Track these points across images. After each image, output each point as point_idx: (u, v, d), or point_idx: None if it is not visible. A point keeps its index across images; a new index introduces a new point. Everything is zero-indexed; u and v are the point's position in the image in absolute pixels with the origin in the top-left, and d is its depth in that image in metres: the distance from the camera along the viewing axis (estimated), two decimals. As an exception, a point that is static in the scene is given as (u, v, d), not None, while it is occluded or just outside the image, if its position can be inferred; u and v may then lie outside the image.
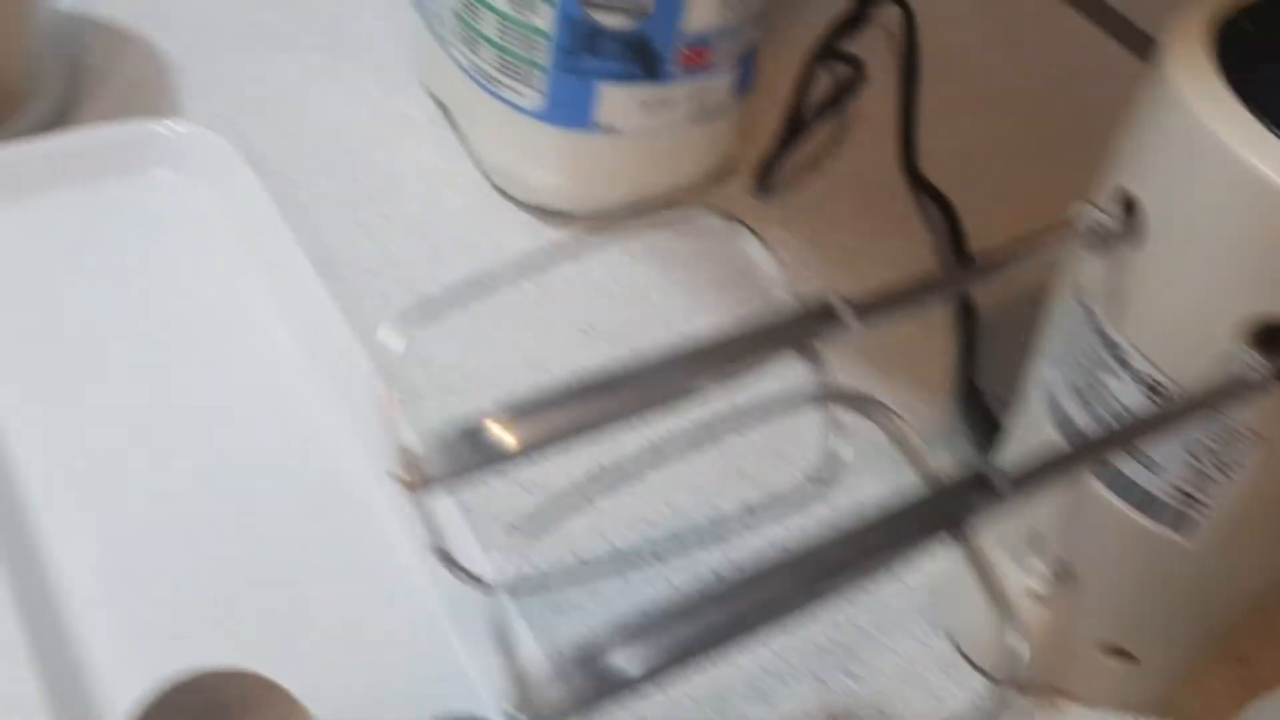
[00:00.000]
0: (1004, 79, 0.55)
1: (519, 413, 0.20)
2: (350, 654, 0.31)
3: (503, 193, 0.45)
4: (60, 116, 0.44)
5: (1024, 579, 0.32)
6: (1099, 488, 0.29)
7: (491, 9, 0.40)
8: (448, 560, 0.21)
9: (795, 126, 0.49)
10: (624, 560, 0.31)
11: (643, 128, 0.42)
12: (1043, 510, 0.31)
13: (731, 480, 0.38)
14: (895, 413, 0.21)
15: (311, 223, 0.43)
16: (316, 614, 0.32)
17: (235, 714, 0.27)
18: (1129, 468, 0.28)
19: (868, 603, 0.35)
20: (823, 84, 0.53)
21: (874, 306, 0.22)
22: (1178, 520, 0.29)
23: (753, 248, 0.22)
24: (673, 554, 0.33)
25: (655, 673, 0.18)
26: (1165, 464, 0.28)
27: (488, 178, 0.46)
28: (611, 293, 0.43)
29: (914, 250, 0.46)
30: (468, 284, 0.22)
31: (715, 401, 0.22)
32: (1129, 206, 0.27)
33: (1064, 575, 0.32)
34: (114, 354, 0.37)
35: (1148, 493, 0.29)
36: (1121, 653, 0.32)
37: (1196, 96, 0.25)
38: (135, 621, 0.31)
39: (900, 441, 0.21)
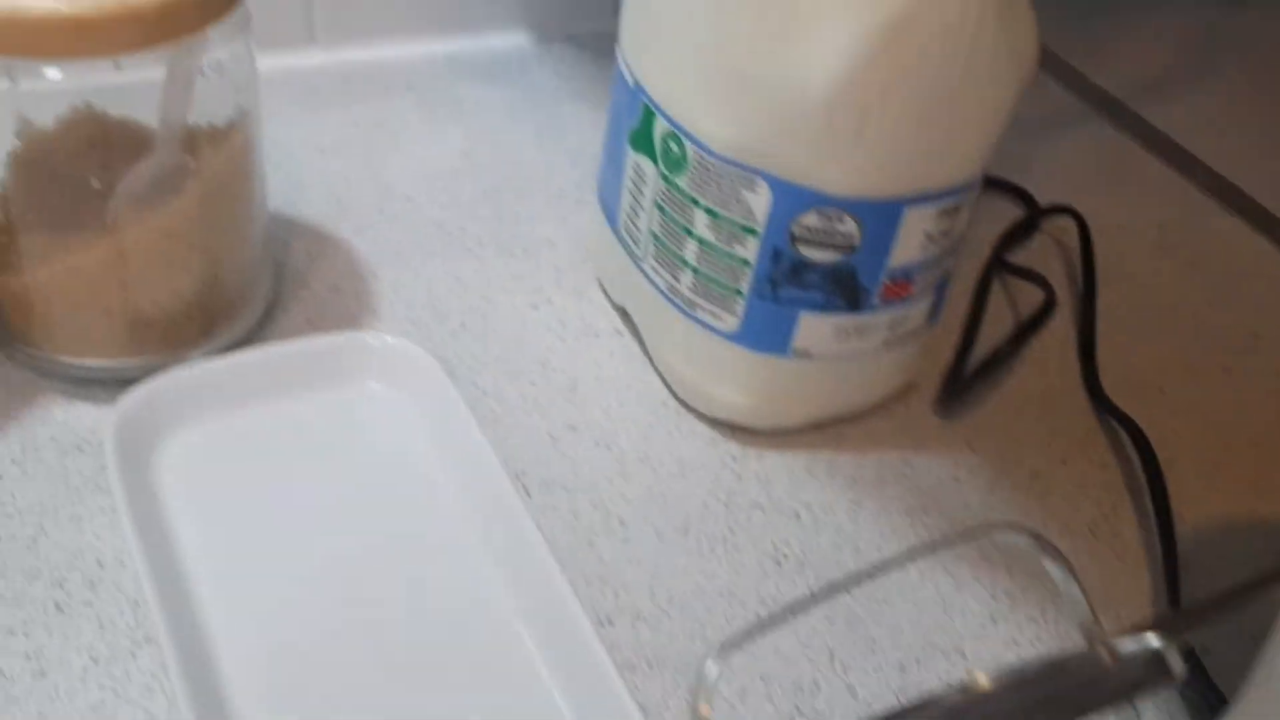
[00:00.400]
0: (1180, 295, 0.55)
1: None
2: None
3: (685, 405, 0.46)
4: (265, 320, 0.45)
5: None
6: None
7: (694, 236, 0.41)
8: None
9: (975, 343, 0.49)
10: None
11: (837, 353, 0.42)
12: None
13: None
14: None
15: (503, 435, 0.43)
16: None
17: None
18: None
19: None
20: (996, 296, 0.52)
21: (1180, 630, 0.21)
22: None
23: (1057, 572, 0.21)
24: None
25: None
26: None
27: (671, 390, 0.46)
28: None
29: (1105, 478, 0.45)
30: (782, 610, 0.21)
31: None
32: None
33: None
34: (312, 563, 0.37)
35: None
36: None
37: None
38: None
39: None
